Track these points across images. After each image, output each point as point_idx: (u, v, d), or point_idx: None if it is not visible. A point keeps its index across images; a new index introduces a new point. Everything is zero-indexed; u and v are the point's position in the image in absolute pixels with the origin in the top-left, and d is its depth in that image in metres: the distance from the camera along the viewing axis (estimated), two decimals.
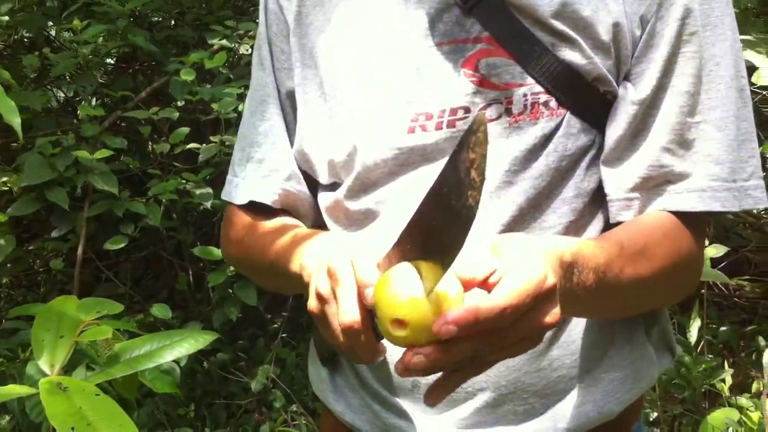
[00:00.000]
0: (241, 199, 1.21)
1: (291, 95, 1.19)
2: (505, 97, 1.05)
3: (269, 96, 1.21)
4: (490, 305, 0.74)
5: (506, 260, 0.81)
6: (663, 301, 1.17)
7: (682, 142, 1.05)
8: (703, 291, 3.01)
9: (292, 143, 1.20)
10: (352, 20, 1.14)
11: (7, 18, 3.11)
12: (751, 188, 1.05)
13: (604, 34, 1.03)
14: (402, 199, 1.09)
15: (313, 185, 1.21)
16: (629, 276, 0.99)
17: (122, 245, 2.82)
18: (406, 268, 0.79)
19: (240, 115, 2.85)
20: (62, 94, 3.68)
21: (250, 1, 3.64)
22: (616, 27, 1.04)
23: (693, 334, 2.68)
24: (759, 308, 3.59)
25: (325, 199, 1.18)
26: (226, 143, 2.80)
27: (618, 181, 1.06)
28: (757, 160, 1.07)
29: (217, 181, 3.20)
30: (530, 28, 1.05)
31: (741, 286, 3.62)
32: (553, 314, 0.80)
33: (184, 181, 2.88)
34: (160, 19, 3.53)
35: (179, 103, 3.10)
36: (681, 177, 1.05)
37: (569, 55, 1.04)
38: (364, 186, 1.11)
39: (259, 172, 1.20)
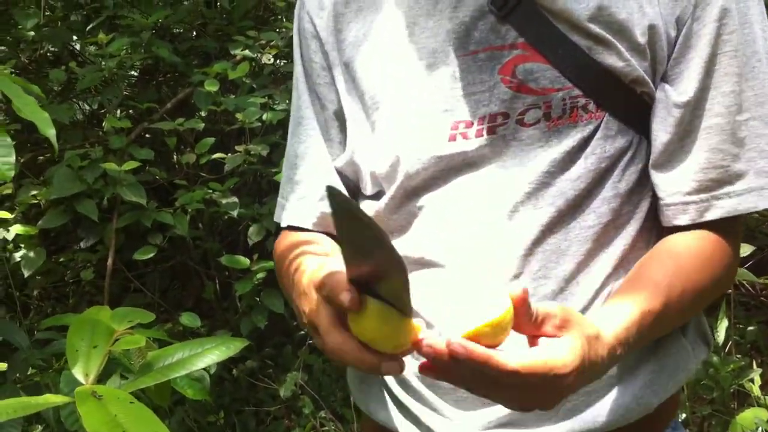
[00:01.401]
0: (284, 222, 1.25)
1: (338, 110, 1.21)
2: (543, 102, 1.06)
3: (303, 117, 1.24)
4: (497, 360, 0.80)
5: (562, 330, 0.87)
6: (700, 310, 1.18)
7: (734, 141, 1.05)
8: (729, 291, 2.99)
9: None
10: (387, 33, 1.15)
11: (32, 33, 3.16)
12: None
13: (640, 36, 1.04)
14: (444, 206, 1.11)
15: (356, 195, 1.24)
16: (674, 313, 1.03)
17: (151, 255, 2.85)
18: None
19: (264, 124, 2.91)
20: (87, 107, 3.72)
21: (270, 11, 3.67)
22: (652, 29, 1.04)
23: (720, 335, 2.67)
24: None
25: (368, 208, 1.19)
26: (251, 152, 2.83)
27: (673, 185, 1.07)
28: None
29: (243, 190, 3.23)
30: (566, 32, 1.05)
31: (767, 285, 3.59)
32: (550, 402, 0.90)
33: (210, 191, 2.90)
34: (183, 30, 3.57)
35: (203, 114, 3.13)
36: (738, 176, 1.06)
37: (606, 58, 1.04)
38: (407, 194, 1.13)
39: (295, 194, 1.24)
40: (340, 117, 1.21)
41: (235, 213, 2.89)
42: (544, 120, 1.06)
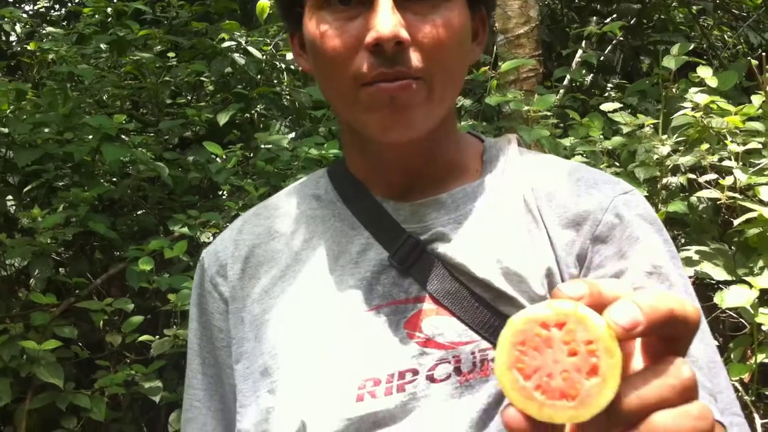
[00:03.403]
0: None
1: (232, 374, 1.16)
2: (452, 356, 1.01)
3: (191, 386, 1.20)
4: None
5: None
6: None
7: None
8: None
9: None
10: (289, 289, 1.11)
11: None
12: None
13: (540, 287, 1.02)
14: None
15: None
16: None
17: None
18: None
19: None
20: (14, 267, 3.59)
21: (214, 186, 3.65)
22: (550, 275, 1.03)
23: None
24: None
25: None
26: (180, 337, 2.73)
27: None
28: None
29: (167, 371, 3.10)
30: (468, 284, 1.03)
31: None
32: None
33: (133, 373, 2.79)
34: (121, 200, 3.52)
35: (135, 288, 3.04)
36: None
37: (510, 310, 1.01)
38: None
39: None
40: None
41: (157, 398, 2.77)
42: (455, 374, 1.01)
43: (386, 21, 0.95)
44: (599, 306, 0.58)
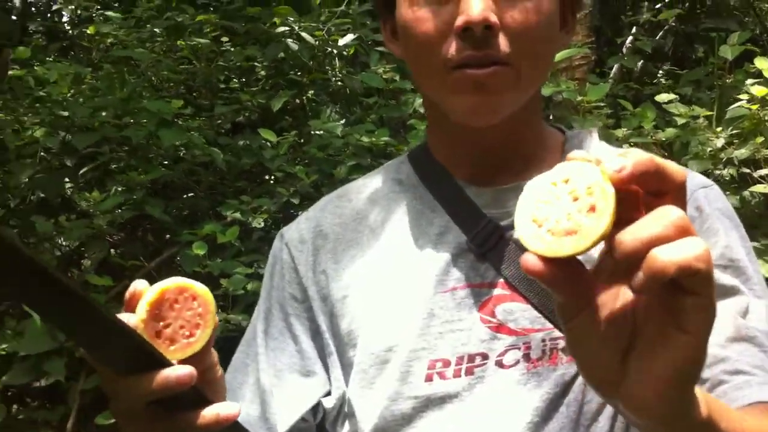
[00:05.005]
0: None
1: (309, 343, 1.17)
2: (523, 343, 1.04)
3: (253, 348, 1.20)
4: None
5: None
6: None
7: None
8: None
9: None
10: (369, 268, 1.14)
11: (26, 179, 3.14)
12: None
13: None
14: None
15: None
16: None
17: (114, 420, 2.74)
18: None
19: (248, 293, 2.86)
20: (68, 248, 3.66)
21: (266, 170, 3.68)
22: None
23: None
24: None
25: None
26: (231, 321, 2.77)
27: None
28: None
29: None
30: None
31: None
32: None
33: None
34: (174, 182, 3.56)
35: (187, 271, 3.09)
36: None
37: None
38: None
39: None
40: (302, 350, 1.17)
41: None
42: (523, 361, 1.03)
43: (476, 5, 0.98)
44: None
